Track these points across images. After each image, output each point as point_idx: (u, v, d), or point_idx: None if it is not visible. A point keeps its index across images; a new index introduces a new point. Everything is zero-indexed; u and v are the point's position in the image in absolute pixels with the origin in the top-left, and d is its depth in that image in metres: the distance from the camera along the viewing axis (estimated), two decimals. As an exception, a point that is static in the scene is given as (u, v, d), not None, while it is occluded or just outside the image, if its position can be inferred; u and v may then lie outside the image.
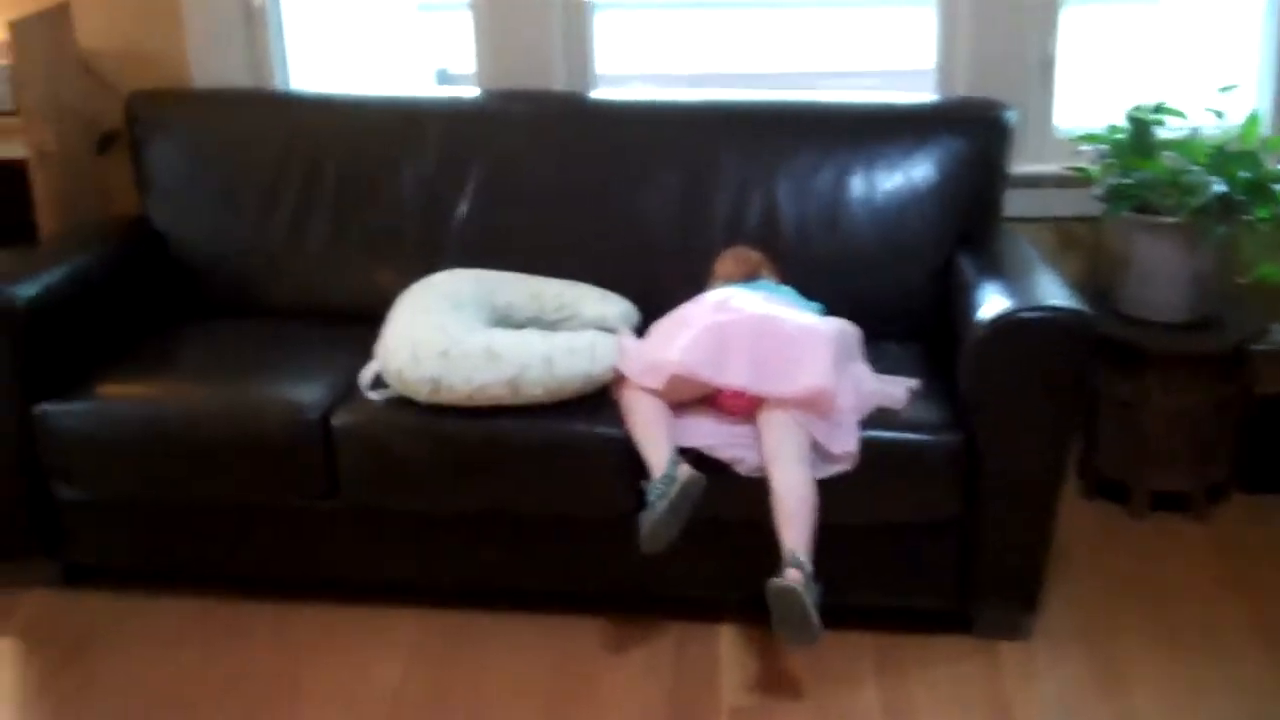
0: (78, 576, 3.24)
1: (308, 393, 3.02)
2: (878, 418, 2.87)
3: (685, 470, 2.77)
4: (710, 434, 2.88)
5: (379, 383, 3.00)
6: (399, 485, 2.97)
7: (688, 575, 3.00)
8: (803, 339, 2.92)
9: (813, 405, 2.81)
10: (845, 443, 2.83)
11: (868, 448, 2.82)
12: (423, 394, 2.89)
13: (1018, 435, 2.82)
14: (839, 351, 2.93)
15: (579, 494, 2.94)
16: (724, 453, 2.85)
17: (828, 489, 2.80)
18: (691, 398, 2.92)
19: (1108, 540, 3.40)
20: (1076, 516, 3.44)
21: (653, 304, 3.26)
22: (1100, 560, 3.30)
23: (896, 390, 2.96)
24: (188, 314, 3.52)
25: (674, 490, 2.74)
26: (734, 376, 2.86)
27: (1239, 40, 3.85)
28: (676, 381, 2.87)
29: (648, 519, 2.75)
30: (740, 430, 2.88)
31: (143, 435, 3.01)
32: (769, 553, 2.90)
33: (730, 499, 2.85)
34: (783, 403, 2.82)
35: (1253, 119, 3.43)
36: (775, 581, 2.65)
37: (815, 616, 2.65)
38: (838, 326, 3.03)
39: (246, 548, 3.12)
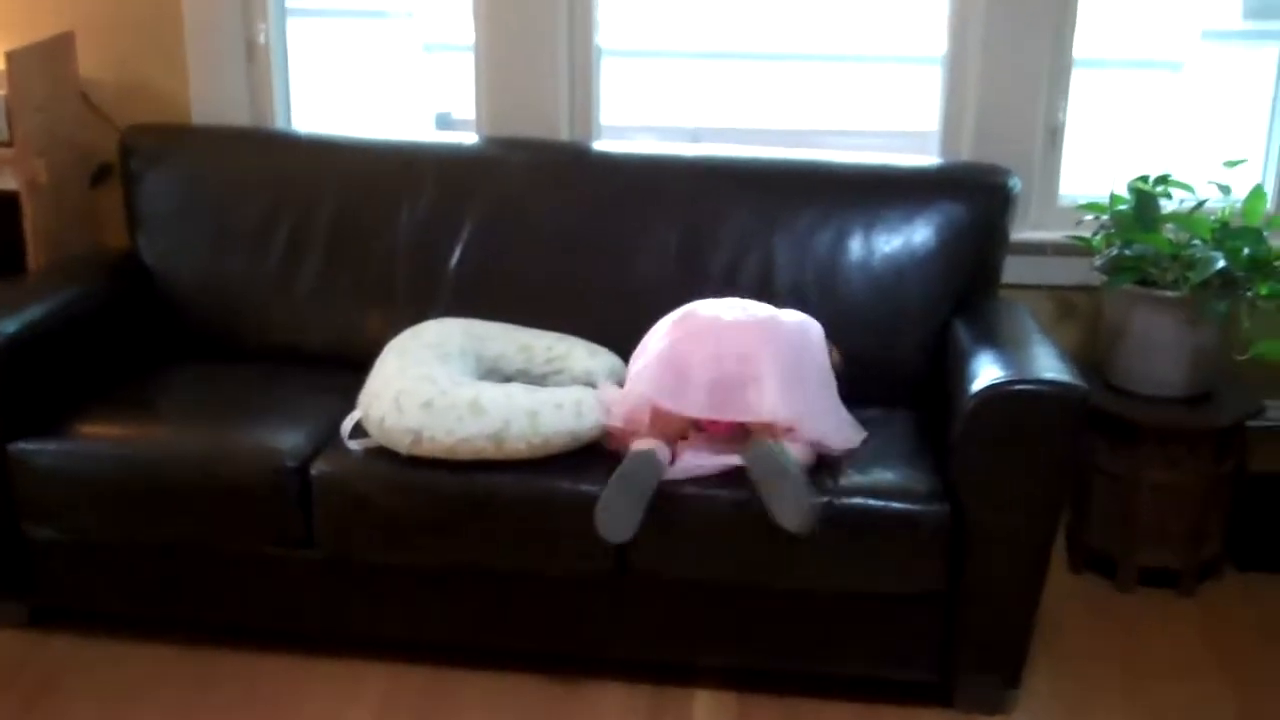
0: (44, 619, 3.19)
1: (287, 439, 2.98)
2: (865, 485, 2.83)
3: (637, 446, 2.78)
4: (698, 463, 2.85)
5: (359, 431, 2.96)
6: (376, 537, 2.92)
7: (665, 637, 2.96)
8: (755, 358, 2.88)
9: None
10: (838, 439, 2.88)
11: (852, 515, 2.78)
12: (404, 445, 2.85)
13: (1006, 507, 2.78)
14: (788, 370, 2.90)
15: (558, 552, 2.89)
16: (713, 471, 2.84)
17: (812, 556, 2.77)
18: (682, 427, 2.90)
19: (1094, 615, 3.34)
20: (1063, 589, 3.40)
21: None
22: (1085, 635, 3.25)
23: (854, 435, 2.96)
24: (174, 352, 3.49)
25: (625, 463, 2.74)
26: (693, 406, 2.84)
27: (1247, 114, 3.83)
28: (657, 415, 2.86)
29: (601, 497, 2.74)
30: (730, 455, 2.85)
31: (118, 477, 2.97)
32: (753, 616, 2.88)
33: (713, 558, 2.82)
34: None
35: (1257, 194, 3.39)
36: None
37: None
38: (788, 337, 3.00)
39: (219, 595, 3.07)
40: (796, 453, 2.80)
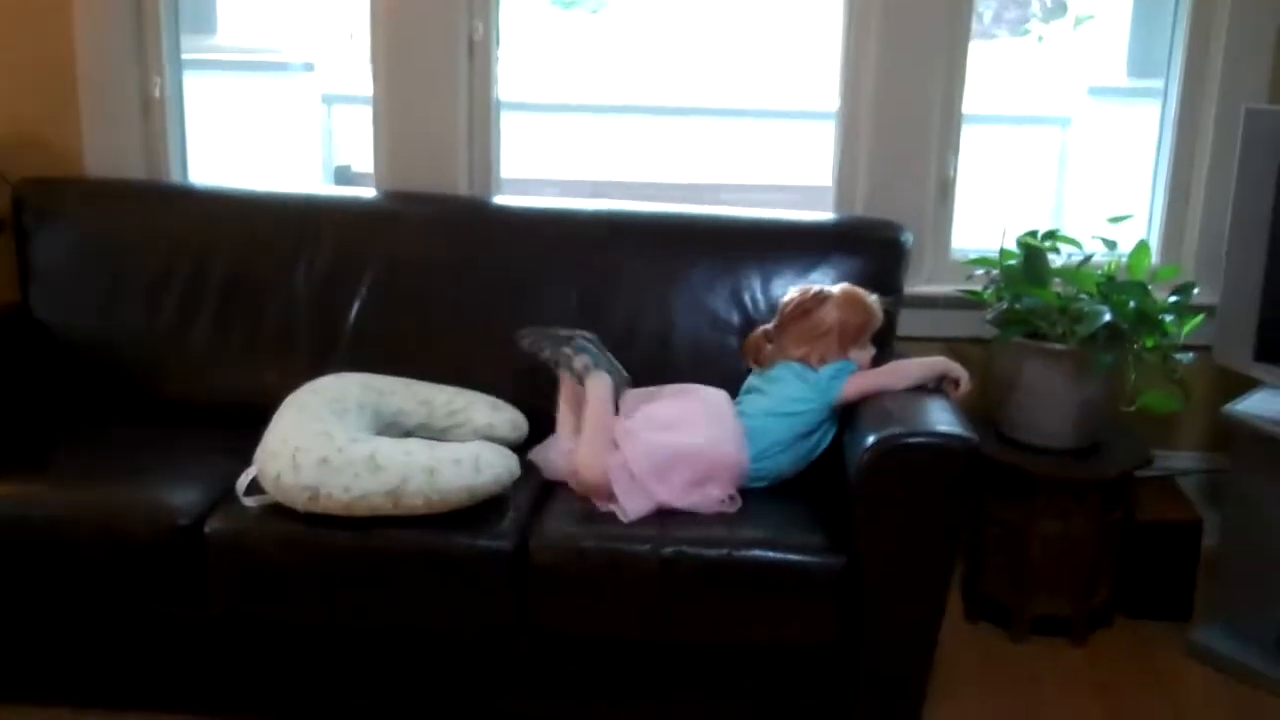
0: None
1: (181, 496, 2.94)
2: (760, 538, 2.85)
3: None
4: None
5: (255, 488, 2.93)
6: (272, 595, 2.88)
7: (563, 693, 2.96)
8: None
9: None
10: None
11: (747, 568, 2.80)
12: (300, 502, 2.82)
13: (900, 559, 2.81)
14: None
15: (458, 607, 2.88)
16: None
17: (707, 608, 2.80)
18: None
19: (988, 664, 3.39)
20: (958, 639, 3.44)
21: (544, 411, 3.25)
22: (980, 684, 3.29)
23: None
24: (67, 409, 3.43)
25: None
26: None
27: (1132, 169, 3.94)
28: None
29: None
30: None
31: (7, 537, 2.90)
32: (649, 671, 2.89)
33: (608, 612, 2.84)
34: None
35: (1142, 249, 3.48)
36: None
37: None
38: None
39: (112, 658, 3.02)
40: None
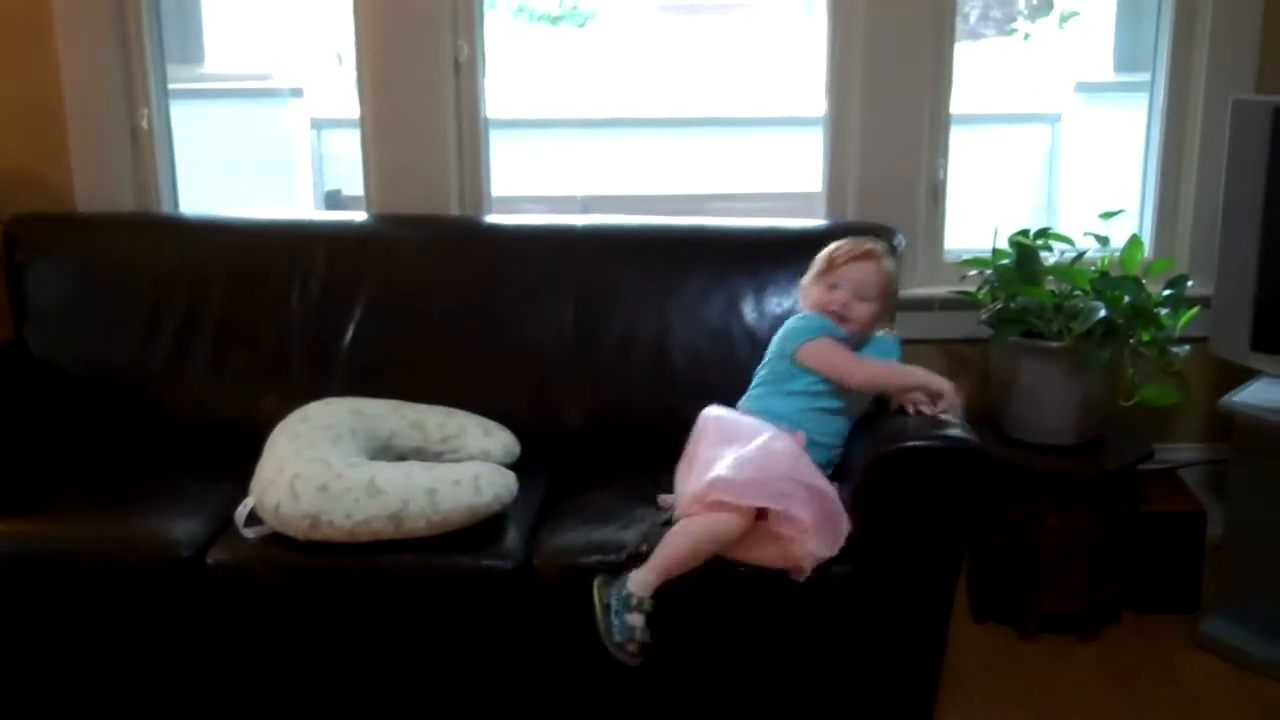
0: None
1: (183, 528, 2.93)
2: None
3: None
4: None
5: (254, 519, 2.92)
6: (277, 624, 2.88)
7: (575, 710, 2.96)
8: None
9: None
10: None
11: (752, 579, 2.78)
12: (301, 530, 2.81)
13: (905, 562, 2.80)
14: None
15: (463, 628, 2.87)
16: None
17: (717, 620, 2.79)
18: None
19: (998, 663, 3.38)
20: (967, 639, 3.43)
21: (543, 429, 3.28)
22: (991, 684, 3.29)
23: None
24: (67, 442, 3.41)
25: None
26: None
27: (1121, 164, 3.94)
28: None
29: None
30: None
31: (7, 573, 2.90)
32: (659, 683, 2.87)
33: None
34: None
35: (1135, 243, 3.49)
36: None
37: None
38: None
39: (116, 691, 3.00)
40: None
